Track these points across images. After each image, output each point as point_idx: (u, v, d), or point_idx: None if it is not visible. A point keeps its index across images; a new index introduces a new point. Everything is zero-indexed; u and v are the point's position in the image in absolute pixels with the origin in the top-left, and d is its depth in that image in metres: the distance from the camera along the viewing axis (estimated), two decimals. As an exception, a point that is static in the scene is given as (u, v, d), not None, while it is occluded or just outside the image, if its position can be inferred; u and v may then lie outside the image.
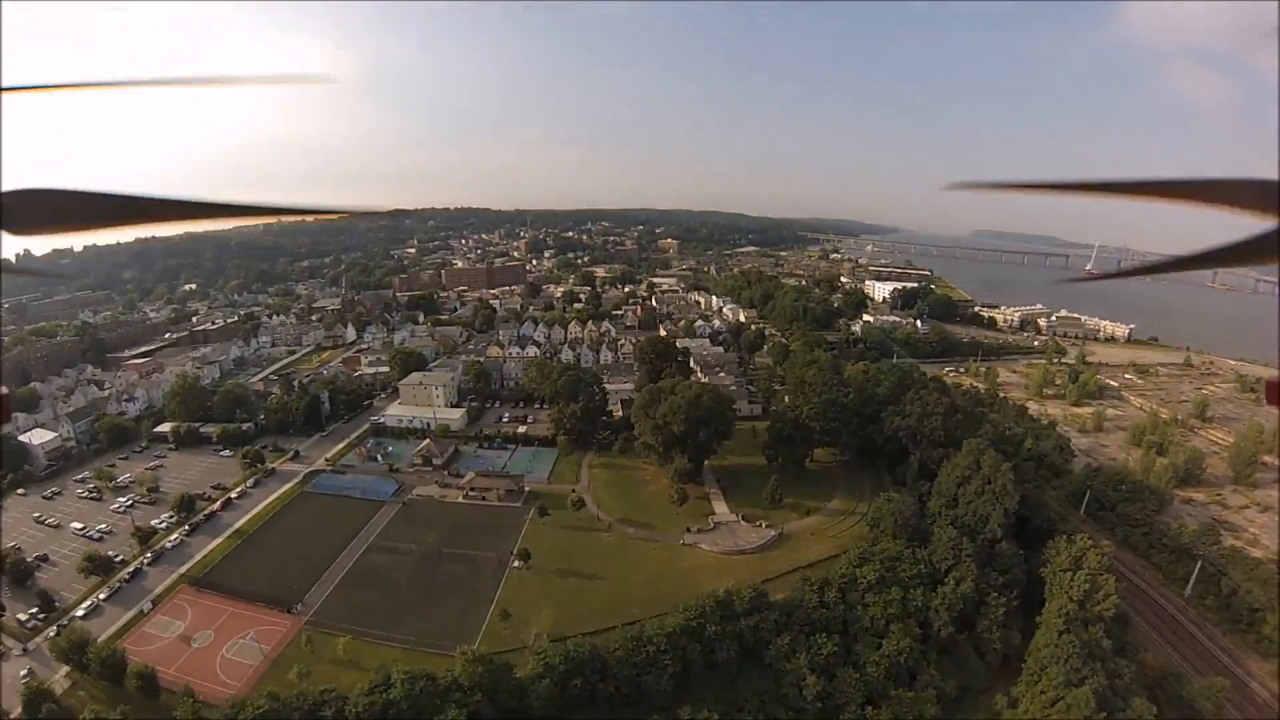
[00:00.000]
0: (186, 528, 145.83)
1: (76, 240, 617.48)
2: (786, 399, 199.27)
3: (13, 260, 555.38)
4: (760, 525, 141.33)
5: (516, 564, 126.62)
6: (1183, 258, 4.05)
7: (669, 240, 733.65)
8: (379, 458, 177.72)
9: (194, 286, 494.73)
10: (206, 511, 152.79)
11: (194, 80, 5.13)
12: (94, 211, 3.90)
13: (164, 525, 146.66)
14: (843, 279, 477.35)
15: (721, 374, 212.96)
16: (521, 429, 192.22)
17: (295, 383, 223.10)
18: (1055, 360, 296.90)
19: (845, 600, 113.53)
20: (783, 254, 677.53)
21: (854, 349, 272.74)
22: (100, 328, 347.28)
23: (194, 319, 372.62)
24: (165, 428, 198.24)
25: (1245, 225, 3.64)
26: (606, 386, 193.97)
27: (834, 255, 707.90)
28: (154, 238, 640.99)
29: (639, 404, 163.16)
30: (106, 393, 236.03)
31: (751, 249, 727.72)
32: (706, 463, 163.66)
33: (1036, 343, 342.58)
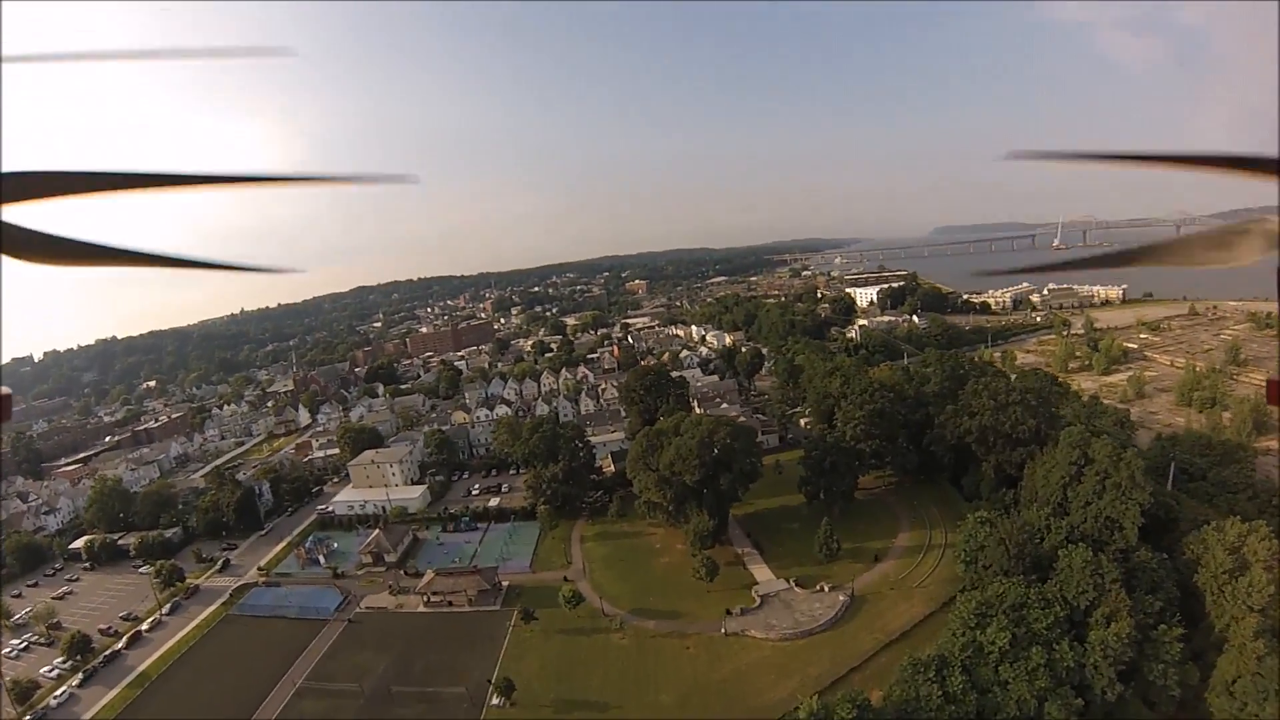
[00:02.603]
0: (79, 677, 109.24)
1: (32, 348, 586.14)
2: (805, 422, 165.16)
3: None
4: (822, 589, 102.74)
5: (496, 700, 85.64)
6: (1097, 257, 4.04)
7: (637, 281, 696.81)
8: (321, 559, 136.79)
9: (154, 383, 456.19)
10: (108, 652, 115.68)
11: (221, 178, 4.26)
12: (85, 183, 3.84)
13: (55, 674, 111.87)
14: (821, 291, 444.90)
15: (723, 405, 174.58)
16: (494, 502, 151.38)
17: (226, 476, 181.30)
18: (1065, 332, 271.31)
19: (974, 682, 75.20)
20: (753, 279, 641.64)
21: (857, 355, 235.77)
22: (37, 437, 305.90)
23: (143, 417, 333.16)
24: (80, 543, 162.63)
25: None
26: (591, 438, 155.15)
27: (805, 273, 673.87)
28: (113, 338, 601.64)
29: (634, 454, 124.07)
30: (27, 506, 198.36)
31: (721, 279, 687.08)
32: (731, 514, 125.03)
33: (1038, 319, 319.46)
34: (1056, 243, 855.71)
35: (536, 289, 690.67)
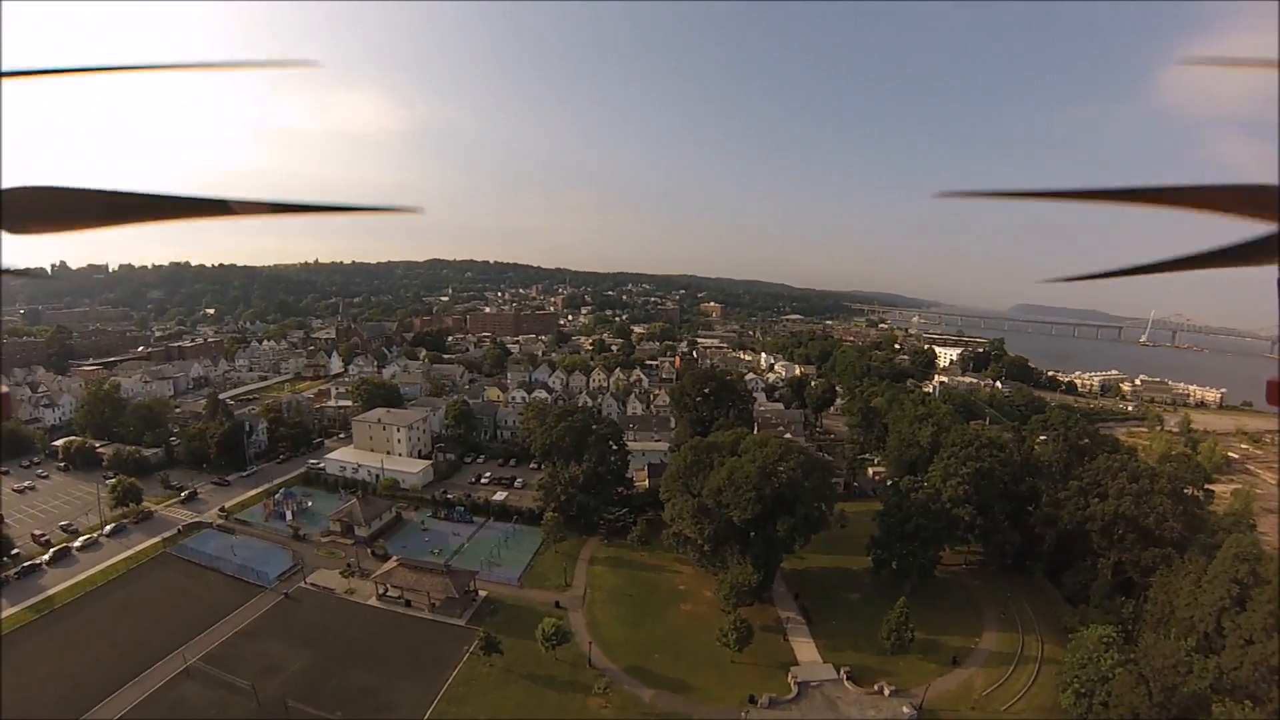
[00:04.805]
0: None
1: (111, 258, 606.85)
2: (873, 471, 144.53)
3: (47, 270, 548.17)
4: (881, 691, 77.15)
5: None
6: (1180, 259, 3.81)
7: (712, 304, 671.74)
8: (289, 514, 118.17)
9: (211, 311, 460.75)
10: (28, 562, 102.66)
11: (175, 65, 4.40)
12: (90, 209, 3.72)
13: None
14: (898, 344, 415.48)
15: (787, 435, 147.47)
16: (500, 495, 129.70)
17: (221, 406, 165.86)
18: (1159, 427, 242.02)
19: None
20: (829, 322, 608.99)
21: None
22: (73, 333, 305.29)
23: (184, 337, 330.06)
24: (61, 442, 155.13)
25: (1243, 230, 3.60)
26: (630, 444, 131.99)
27: (881, 325, 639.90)
28: (187, 262, 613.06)
29: (674, 469, 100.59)
30: (33, 396, 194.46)
31: (796, 316, 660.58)
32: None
33: (1129, 408, 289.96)
34: (1143, 338, 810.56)
35: (611, 293, 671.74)
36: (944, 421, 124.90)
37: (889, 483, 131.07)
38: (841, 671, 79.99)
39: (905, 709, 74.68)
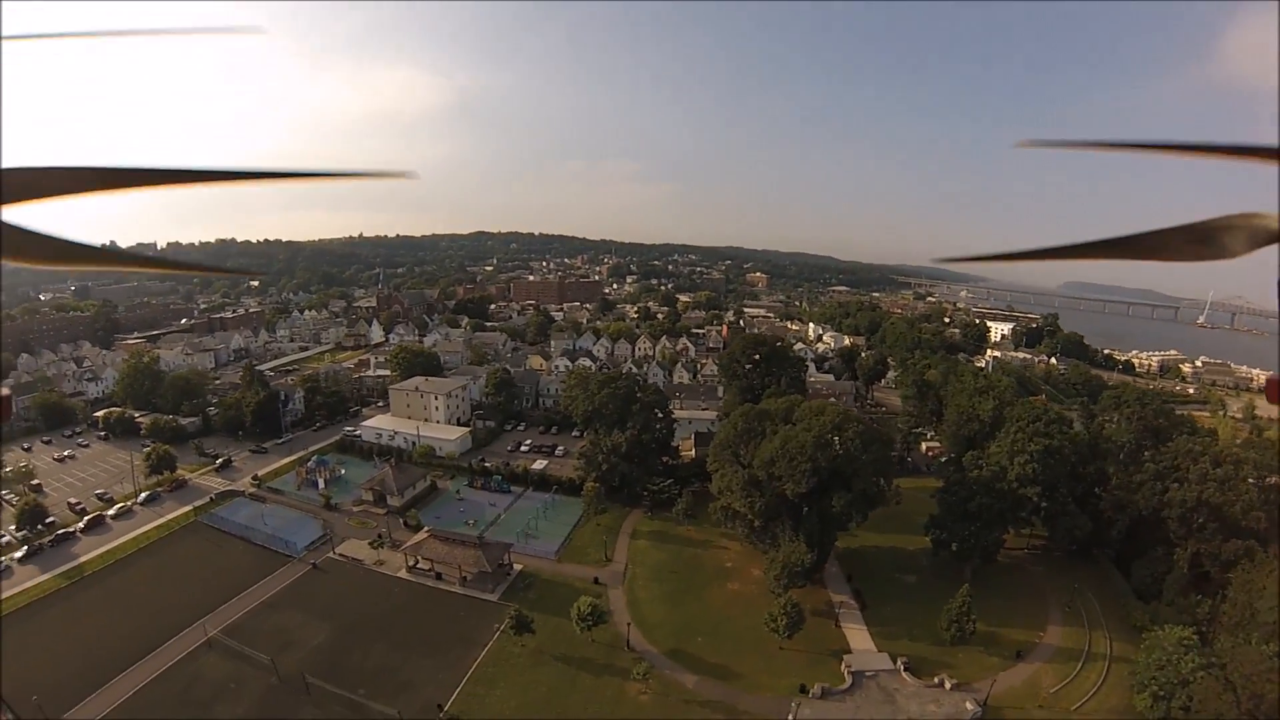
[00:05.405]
0: (24, 550, 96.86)
1: (159, 237, 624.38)
2: (926, 447, 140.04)
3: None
4: (942, 684, 70.66)
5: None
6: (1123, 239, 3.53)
7: (758, 274, 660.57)
8: (321, 482, 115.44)
9: (256, 284, 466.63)
10: (61, 530, 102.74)
11: (277, 174, 4.21)
12: (82, 181, 3.76)
13: (5, 540, 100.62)
14: (947, 317, 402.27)
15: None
16: (539, 464, 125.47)
17: (256, 376, 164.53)
18: (1223, 413, 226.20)
19: None
20: (875, 295, 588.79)
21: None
22: (119, 308, 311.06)
23: (226, 308, 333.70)
24: (101, 413, 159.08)
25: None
26: (676, 412, 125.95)
27: (929, 299, 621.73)
28: (233, 239, 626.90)
29: (723, 438, 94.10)
30: (79, 370, 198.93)
31: (843, 288, 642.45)
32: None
33: (1191, 390, 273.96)
34: (1201, 319, 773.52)
35: (656, 262, 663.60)
36: (1006, 396, 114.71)
37: (944, 460, 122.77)
38: (899, 662, 73.51)
39: (969, 704, 67.94)
